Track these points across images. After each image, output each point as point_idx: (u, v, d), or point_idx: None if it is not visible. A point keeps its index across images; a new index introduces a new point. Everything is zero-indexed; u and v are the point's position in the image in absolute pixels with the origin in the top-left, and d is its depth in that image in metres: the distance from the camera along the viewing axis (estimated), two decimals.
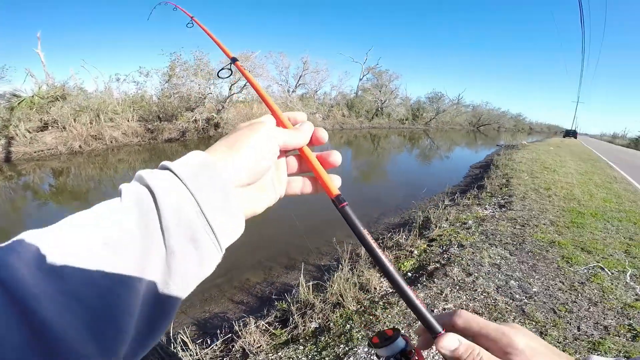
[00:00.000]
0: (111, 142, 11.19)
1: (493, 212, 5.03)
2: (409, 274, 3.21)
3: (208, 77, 12.75)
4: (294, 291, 2.85)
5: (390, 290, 2.83)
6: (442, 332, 0.36)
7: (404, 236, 4.01)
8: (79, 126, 10.83)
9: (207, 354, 2.29)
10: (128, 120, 11.72)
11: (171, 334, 2.29)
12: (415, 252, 3.64)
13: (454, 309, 2.62)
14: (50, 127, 10.87)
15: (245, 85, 13.58)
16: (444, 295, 2.67)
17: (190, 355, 2.20)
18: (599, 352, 2.13)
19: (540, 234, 4.09)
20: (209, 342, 2.44)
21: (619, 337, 2.29)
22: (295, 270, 3.57)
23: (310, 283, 2.85)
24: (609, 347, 2.18)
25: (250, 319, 2.53)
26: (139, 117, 12.05)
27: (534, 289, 2.86)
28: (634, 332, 2.33)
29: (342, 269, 2.89)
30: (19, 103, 10.80)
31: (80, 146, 10.64)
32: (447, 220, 4.60)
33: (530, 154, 12.28)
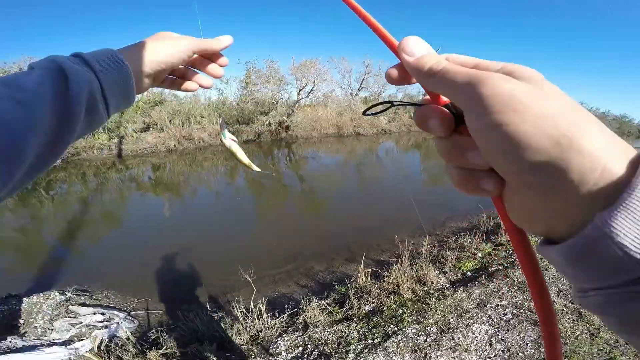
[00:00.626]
0: (199, 142, 12.74)
1: None
2: (469, 273, 3.20)
3: (279, 84, 13.72)
4: (352, 278, 3.09)
5: (447, 286, 2.89)
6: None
7: (469, 239, 3.95)
8: (174, 128, 12.58)
9: (275, 323, 2.65)
10: (212, 123, 13.22)
11: (251, 305, 2.66)
12: (479, 254, 3.58)
13: (507, 305, 2.60)
14: (151, 129, 12.83)
15: (312, 90, 14.36)
16: (500, 293, 2.65)
17: (263, 323, 2.58)
18: None
19: None
20: (277, 315, 2.80)
21: None
22: (355, 262, 3.78)
23: (370, 270, 3.06)
24: None
25: (313, 298, 2.83)
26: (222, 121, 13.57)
27: None
28: None
29: (401, 263, 3.04)
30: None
31: (174, 145, 12.35)
32: None
33: None
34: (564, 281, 2.88)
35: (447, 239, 4.32)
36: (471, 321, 2.42)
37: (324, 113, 15.88)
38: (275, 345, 2.34)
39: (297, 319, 2.66)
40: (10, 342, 2.29)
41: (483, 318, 2.47)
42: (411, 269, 3.04)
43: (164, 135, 12.48)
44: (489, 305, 2.58)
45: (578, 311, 2.49)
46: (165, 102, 13.60)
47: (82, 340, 2.29)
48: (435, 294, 2.69)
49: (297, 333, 2.48)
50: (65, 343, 2.29)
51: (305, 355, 2.22)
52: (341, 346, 2.26)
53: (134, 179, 9.38)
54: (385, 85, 20.09)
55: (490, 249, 3.69)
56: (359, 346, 2.24)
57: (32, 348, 2.15)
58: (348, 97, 18.09)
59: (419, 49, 0.28)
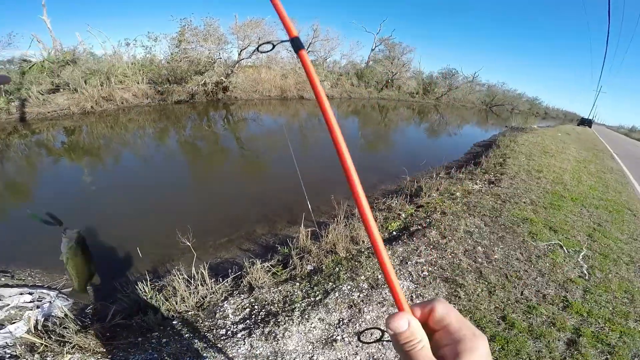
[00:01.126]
0: (122, 103, 11.45)
1: (481, 187, 5.38)
2: (394, 232, 3.64)
3: (218, 42, 12.77)
4: (294, 240, 3.30)
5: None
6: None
7: (395, 201, 4.40)
8: (90, 88, 11.05)
9: (220, 288, 2.75)
10: (138, 83, 11.90)
11: (192, 272, 2.71)
12: (403, 215, 4.05)
13: (426, 266, 3.06)
14: (62, 90, 11.10)
15: (254, 51, 13.60)
16: (418, 251, 3.10)
17: (207, 288, 2.67)
18: (531, 315, 2.51)
19: (517, 210, 4.45)
20: (220, 280, 2.89)
21: (552, 305, 2.69)
22: (296, 225, 3.98)
23: (310, 230, 3.29)
24: (540, 312, 2.58)
25: (257, 261, 2.98)
26: (149, 80, 12.24)
27: (495, 256, 3.29)
28: (566, 303, 2.73)
29: (337, 223, 3.32)
30: (30, 67, 11.06)
31: (92, 107, 10.91)
32: (437, 190, 4.97)
33: (535, 138, 12.36)
34: (470, 242, 3.46)
35: (377, 201, 4.76)
36: None
37: (267, 75, 15.43)
38: (221, 309, 2.47)
39: (241, 282, 2.79)
40: None
41: (405, 275, 2.87)
42: (346, 228, 3.34)
43: (77, 96, 10.92)
44: (409, 263, 3.01)
45: (480, 270, 3.01)
46: (79, 60, 11.78)
47: (14, 323, 2.14)
48: (366, 252, 3.03)
49: (242, 295, 2.63)
50: None
51: (253, 316, 2.39)
52: (287, 305, 2.47)
53: (43, 144, 8.18)
54: (332, 50, 20.11)
55: (413, 210, 4.19)
56: (303, 304, 2.48)
57: None
58: (294, 60, 17.62)
59: (401, 326, 0.37)
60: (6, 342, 1.91)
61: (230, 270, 3.04)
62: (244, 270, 2.89)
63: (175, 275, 2.60)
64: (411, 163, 7.23)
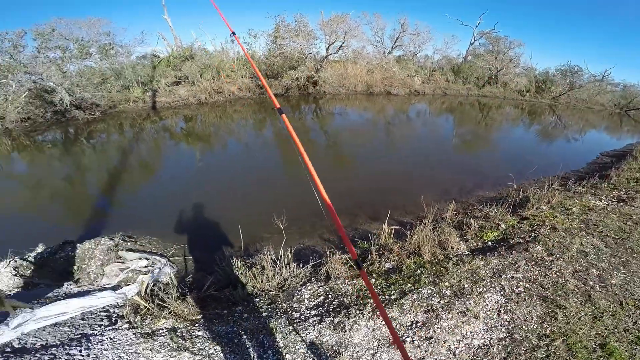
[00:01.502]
0: (229, 95, 12.92)
1: (607, 204, 4.41)
2: (490, 243, 3.24)
3: (308, 38, 13.31)
4: (375, 236, 3.22)
5: (466, 252, 2.97)
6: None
7: (495, 210, 3.93)
8: (204, 81, 12.72)
9: (300, 272, 2.86)
10: (242, 77, 13.23)
11: (280, 253, 2.86)
12: (503, 225, 3.59)
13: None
14: (182, 82, 13.03)
15: (341, 46, 13.83)
16: (516, 266, 2.71)
17: (290, 272, 2.80)
18: (637, 346, 2.11)
19: None
20: (302, 265, 3.01)
21: None
22: (378, 221, 3.89)
23: (393, 228, 3.18)
24: None
25: (336, 251, 3.01)
26: (251, 74, 13.46)
27: (612, 281, 2.73)
28: None
29: (424, 225, 3.12)
30: (159, 62, 13.27)
31: (205, 98, 12.57)
32: (548, 202, 4.26)
33: None
34: (583, 263, 2.89)
35: (472, 207, 4.32)
36: (484, 289, 2.52)
37: (354, 70, 15.37)
38: (299, 293, 2.57)
39: (320, 270, 2.86)
40: (66, 288, 2.61)
41: (496, 287, 2.56)
42: (433, 232, 3.12)
43: (195, 88, 12.70)
44: (503, 276, 2.66)
45: (588, 293, 2.52)
46: (195, 56, 13.67)
47: (129, 285, 2.60)
48: (454, 259, 2.78)
49: (319, 283, 2.69)
50: (115, 288, 2.58)
51: (326, 304, 2.43)
52: (359, 299, 2.45)
53: (168, 129, 9.77)
54: (422, 45, 18.65)
55: (515, 222, 3.67)
56: None
57: (86, 293, 2.44)
58: (380, 55, 17.23)
59: None
60: (118, 302, 2.32)
61: (311, 257, 3.14)
62: (324, 259, 2.95)
63: (264, 255, 2.79)
64: (517, 169, 6.33)
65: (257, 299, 2.46)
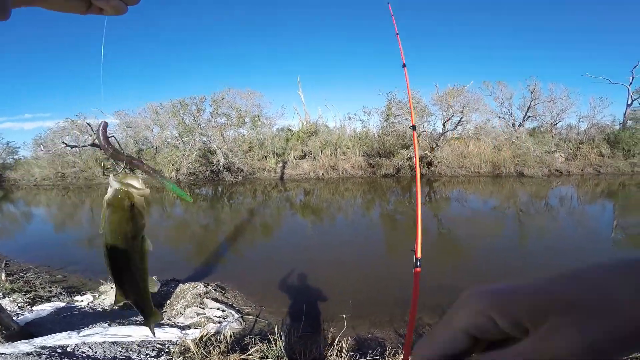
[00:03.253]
0: (343, 172, 13.90)
1: None
2: None
3: (421, 115, 13.22)
4: None
5: None
6: None
7: None
8: (324, 157, 14.23)
9: None
10: (355, 155, 14.18)
11: (335, 340, 2.68)
12: None
13: None
14: (306, 157, 14.92)
15: (459, 121, 13.15)
16: None
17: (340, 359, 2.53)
18: None
19: None
20: (357, 356, 2.67)
21: None
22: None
23: None
24: None
25: (400, 349, 2.59)
26: (363, 153, 14.30)
27: None
28: None
29: None
30: (291, 136, 15.77)
31: (322, 174, 13.92)
32: None
33: None
34: None
35: None
36: None
37: (476, 148, 14.01)
38: None
39: None
40: None
41: None
42: None
43: (315, 163, 14.30)
44: None
45: None
46: (318, 132, 15.61)
47: (197, 329, 2.87)
48: None
49: None
50: (183, 328, 2.88)
51: None
52: None
53: (289, 199, 11.10)
54: (562, 113, 15.84)
55: None
56: None
57: (159, 325, 2.83)
58: (509, 129, 15.50)
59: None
60: (177, 341, 2.53)
61: (371, 351, 2.78)
62: (382, 356, 2.56)
63: (322, 336, 2.65)
64: None
65: None
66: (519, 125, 15.99)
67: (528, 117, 16.05)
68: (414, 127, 2.12)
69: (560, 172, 13.45)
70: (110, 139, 0.50)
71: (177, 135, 15.51)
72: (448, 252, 5.81)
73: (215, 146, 14.08)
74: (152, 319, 0.63)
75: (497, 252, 5.68)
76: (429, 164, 13.48)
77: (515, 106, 16.41)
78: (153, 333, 0.64)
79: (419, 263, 1.63)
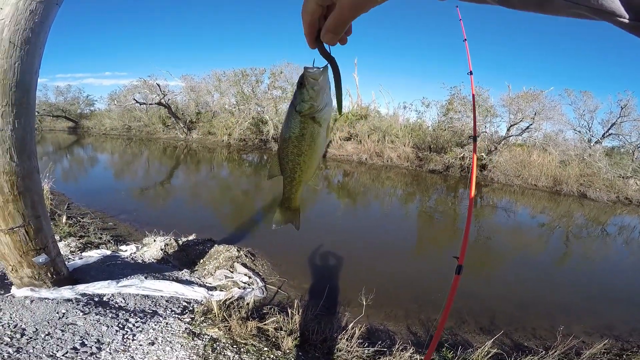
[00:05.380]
0: (387, 161, 13.55)
1: None
2: None
3: (486, 114, 12.21)
4: (469, 350, 2.62)
5: None
6: None
7: None
8: (370, 142, 13.98)
9: (357, 351, 2.56)
10: (404, 145, 13.71)
11: (349, 325, 2.76)
12: None
13: None
14: (352, 139, 14.77)
15: (527, 128, 11.95)
16: None
17: (348, 345, 2.60)
18: None
19: None
20: (366, 344, 2.72)
21: None
22: (489, 335, 3.07)
23: (495, 351, 2.52)
24: None
25: (411, 348, 2.61)
26: (413, 144, 13.75)
27: None
28: None
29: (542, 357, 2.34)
30: (340, 117, 15.65)
31: (366, 159, 13.72)
32: None
33: None
34: None
35: (639, 351, 2.98)
36: None
37: (540, 158, 12.54)
38: None
39: (380, 357, 2.54)
40: (182, 274, 3.29)
41: None
42: None
43: (360, 147, 14.11)
44: None
45: None
46: (368, 116, 15.30)
47: (222, 291, 3.08)
48: None
49: None
50: (211, 288, 3.09)
51: None
52: None
53: (328, 178, 11.20)
54: None
55: None
56: None
57: (188, 283, 3.04)
58: (583, 144, 13.72)
59: None
60: (202, 300, 2.75)
61: (381, 342, 2.83)
62: (392, 349, 2.61)
63: (337, 318, 2.75)
64: None
65: (300, 354, 2.42)
66: (596, 142, 13.95)
67: (609, 134, 13.86)
68: (474, 138, 2.07)
69: (630, 201, 11.67)
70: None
71: (234, 102, 16.33)
72: (482, 260, 5.57)
73: (267, 117, 14.65)
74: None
75: (530, 267, 5.43)
76: (483, 167, 12.49)
77: (597, 120, 14.27)
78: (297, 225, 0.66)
79: (460, 270, 1.66)
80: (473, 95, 2.17)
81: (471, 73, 2.10)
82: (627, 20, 0.31)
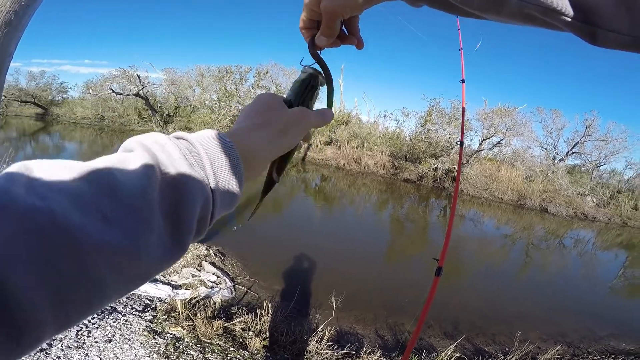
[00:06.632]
0: (364, 167, 13.72)
1: None
2: None
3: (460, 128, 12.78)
4: (434, 353, 2.70)
5: None
6: None
7: None
8: (349, 148, 14.11)
9: (327, 353, 2.56)
10: (382, 153, 13.96)
11: (319, 327, 2.79)
12: None
13: None
14: (332, 144, 14.86)
15: (498, 143, 12.54)
16: None
17: (317, 347, 2.60)
18: None
19: None
20: (335, 347, 2.74)
21: None
22: (450, 340, 3.19)
23: (457, 355, 2.61)
24: None
25: (378, 351, 2.66)
26: (390, 153, 14.04)
27: None
28: None
29: None
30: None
31: (344, 164, 13.83)
32: None
33: None
34: None
35: (588, 357, 3.36)
36: None
37: (507, 173, 13.26)
38: None
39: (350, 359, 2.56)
40: None
41: None
42: None
43: (339, 152, 14.22)
44: None
45: None
46: (350, 122, 15.46)
47: (188, 290, 3.00)
48: None
49: None
50: (176, 287, 2.97)
51: None
52: None
53: (305, 181, 11.19)
54: (611, 155, 14.26)
55: None
56: None
57: (152, 280, 2.92)
58: (548, 161, 14.54)
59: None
60: (165, 299, 2.66)
61: (349, 345, 2.84)
62: (360, 352, 2.63)
63: (307, 320, 2.75)
64: None
65: (268, 354, 2.39)
66: (560, 160, 14.84)
67: (573, 152, 14.75)
68: (461, 143, 2.15)
69: (586, 216, 12.58)
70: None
71: (215, 99, 15.98)
72: (448, 268, 5.75)
73: None
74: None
75: (493, 276, 5.77)
76: (454, 179, 13.00)
77: (562, 138, 15.12)
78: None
79: (440, 272, 1.72)
80: (463, 102, 2.25)
81: (463, 81, 2.17)
82: (569, 19, 0.31)
